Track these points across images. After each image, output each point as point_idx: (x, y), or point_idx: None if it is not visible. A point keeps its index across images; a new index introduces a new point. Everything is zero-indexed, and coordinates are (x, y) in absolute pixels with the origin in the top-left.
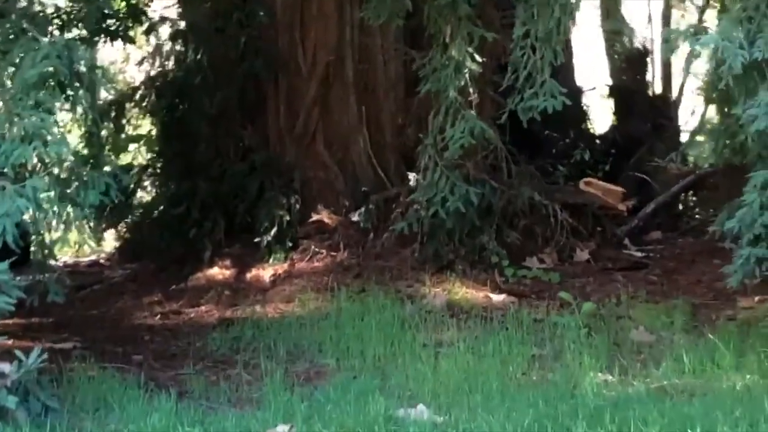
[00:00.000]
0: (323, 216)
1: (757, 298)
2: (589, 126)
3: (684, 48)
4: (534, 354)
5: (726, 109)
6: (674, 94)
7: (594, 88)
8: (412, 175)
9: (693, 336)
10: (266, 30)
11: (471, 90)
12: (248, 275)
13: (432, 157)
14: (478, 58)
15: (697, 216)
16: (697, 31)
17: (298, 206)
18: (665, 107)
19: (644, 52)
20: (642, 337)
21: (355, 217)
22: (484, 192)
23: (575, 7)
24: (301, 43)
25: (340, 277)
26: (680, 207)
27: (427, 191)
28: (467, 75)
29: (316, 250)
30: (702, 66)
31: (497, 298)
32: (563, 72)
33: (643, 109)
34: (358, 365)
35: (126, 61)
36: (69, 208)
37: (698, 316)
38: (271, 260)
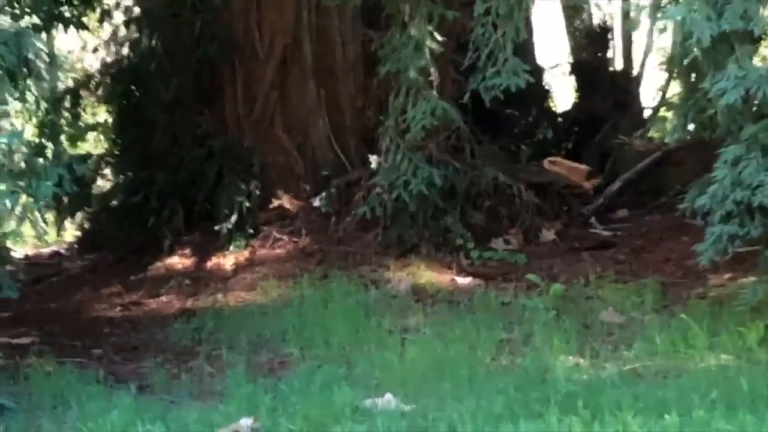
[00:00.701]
0: (284, 201)
1: (727, 276)
2: (552, 104)
3: (646, 23)
4: (502, 338)
5: (693, 84)
6: (636, 70)
7: (556, 66)
8: (373, 158)
9: (664, 316)
10: (221, 14)
11: (432, 70)
12: (209, 264)
13: (393, 139)
14: (438, 36)
15: (664, 193)
16: (659, 4)
17: (258, 192)
18: (627, 84)
19: (605, 29)
20: (612, 318)
21: (316, 202)
22: (447, 173)
23: None
24: (258, 26)
25: (302, 263)
26: (646, 184)
27: (389, 174)
28: (427, 54)
29: (278, 236)
30: (666, 41)
31: (463, 281)
32: (524, 50)
33: (605, 86)
34: (323, 354)
35: (84, 49)
36: (22, 200)
37: (668, 295)
38: (231, 248)
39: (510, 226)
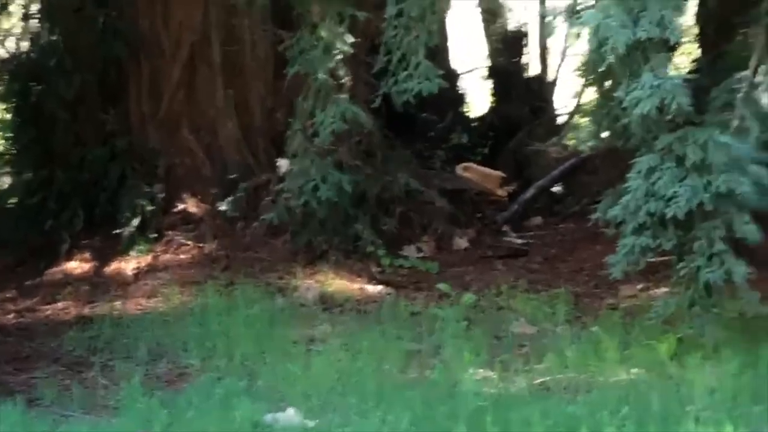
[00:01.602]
0: (189, 205)
1: (639, 286)
2: (467, 109)
3: (562, 28)
4: (411, 350)
5: (607, 92)
6: (551, 75)
7: (472, 70)
8: (282, 162)
9: (576, 328)
10: (127, 10)
11: (342, 72)
12: (109, 269)
13: (302, 142)
14: (349, 38)
15: (578, 200)
16: (574, 10)
17: (162, 195)
18: (542, 89)
19: (521, 33)
20: (523, 330)
21: (223, 206)
22: (358, 179)
23: None
24: (164, 23)
25: (207, 269)
26: (560, 191)
27: (297, 179)
28: (337, 56)
29: (182, 241)
30: (581, 47)
31: (373, 289)
32: (439, 54)
33: (520, 91)
34: (224, 365)
35: None
36: None
37: (580, 306)
38: (133, 253)
39: (422, 233)
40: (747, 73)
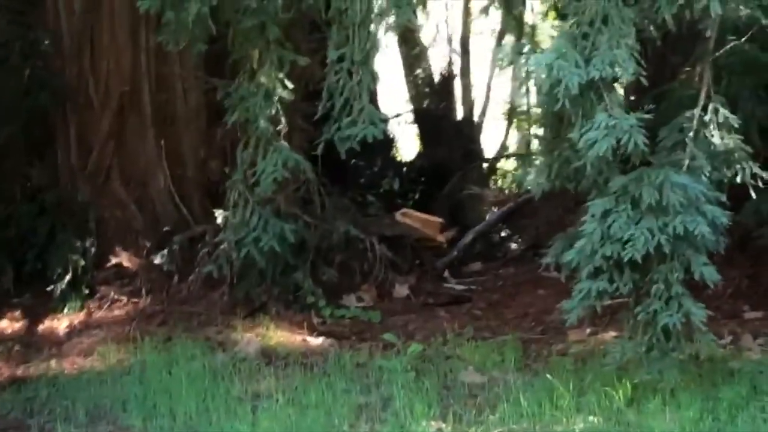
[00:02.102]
0: (122, 259)
1: (588, 330)
2: (397, 154)
3: (484, 72)
4: (360, 403)
5: (556, 134)
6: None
7: (399, 115)
8: (219, 213)
9: (527, 375)
10: (53, 60)
11: (282, 119)
12: (41, 327)
13: (242, 193)
14: (288, 84)
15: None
16: (523, 50)
17: (93, 249)
18: (472, 133)
19: (449, 77)
20: (473, 378)
21: (157, 260)
22: (297, 228)
23: (395, 26)
24: (92, 73)
25: (143, 325)
26: (499, 236)
27: (238, 230)
28: (277, 103)
29: (116, 296)
30: (505, 90)
31: (315, 341)
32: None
33: (450, 135)
34: (168, 425)
35: None
36: None
37: (529, 353)
38: (65, 310)
39: (362, 282)
40: (695, 111)
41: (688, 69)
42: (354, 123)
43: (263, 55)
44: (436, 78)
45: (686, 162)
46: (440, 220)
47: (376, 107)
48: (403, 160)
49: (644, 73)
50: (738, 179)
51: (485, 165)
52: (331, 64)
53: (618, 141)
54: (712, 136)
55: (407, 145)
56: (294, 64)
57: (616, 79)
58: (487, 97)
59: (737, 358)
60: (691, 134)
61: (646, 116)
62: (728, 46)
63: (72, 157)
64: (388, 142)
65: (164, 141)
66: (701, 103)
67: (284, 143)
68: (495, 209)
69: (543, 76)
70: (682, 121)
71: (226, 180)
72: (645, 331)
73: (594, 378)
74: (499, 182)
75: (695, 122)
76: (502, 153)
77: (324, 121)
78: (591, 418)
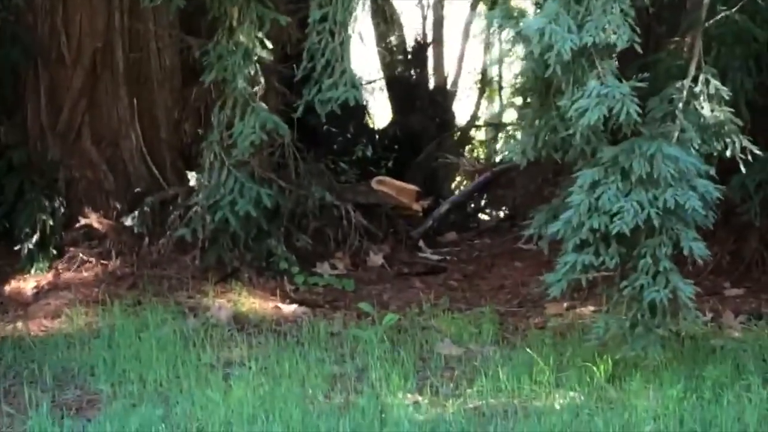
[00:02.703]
0: (92, 220)
1: (565, 304)
2: (369, 121)
3: (457, 40)
4: (335, 373)
5: (544, 101)
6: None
7: (372, 81)
8: (192, 175)
9: (505, 348)
10: (24, 15)
11: (261, 80)
12: (7, 288)
13: (218, 155)
14: (268, 44)
15: (493, 215)
16: (514, 14)
17: (63, 209)
18: (446, 101)
19: (423, 45)
20: (449, 351)
21: (127, 221)
22: (272, 192)
23: None
24: (64, 29)
25: (112, 288)
26: (473, 205)
27: (212, 193)
28: (256, 63)
29: (85, 258)
30: (477, 58)
31: (288, 308)
32: None
33: (423, 103)
34: (137, 391)
35: None
36: None
37: (506, 326)
38: (33, 270)
39: (336, 250)
40: (685, 82)
41: (676, 39)
42: (335, 85)
43: (242, 12)
44: (410, 45)
45: (676, 134)
46: (416, 188)
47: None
48: (376, 128)
49: (638, 40)
50: (728, 153)
51: (459, 134)
52: (312, 24)
53: (610, 110)
54: (702, 108)
55: (379, 112)
56: (276, 22)
57: (609, 46)
58: (460, 66)
59: (719, 336)
60: (680, 105)
61: (640, 85)
62: (718, 17)
63: (42, 115)
64: (360, 109)
65: (137, 100)
66: (691, 73)
67: (262, 104)
68: (470, 179)
69: (534, 40)
70: (672, 92)
71: (200, 142)
72: (629, 306)
73: (574, 353)
74: (475, 152)
75: (685, 93)
76: (474, 122)
77: (300, 84)
78: (572, 394)
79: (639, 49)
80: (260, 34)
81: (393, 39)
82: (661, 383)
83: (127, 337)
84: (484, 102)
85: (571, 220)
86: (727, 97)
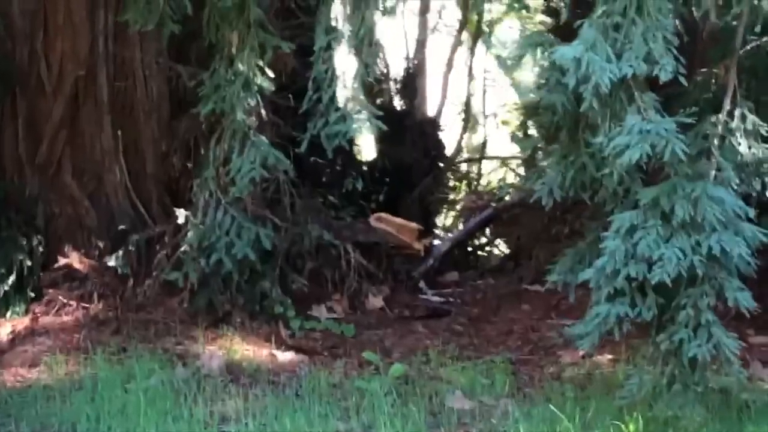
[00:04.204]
0: (72, 260)
1: (581, 352)
2: (357, 153)
3: (439, 71)
4: (339, 430)
5: (571, 138)
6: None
7: (360, 111)
8: (180, 212)
9: (521, 402)
10: (2, 41)
11: (262, 111)
12: None
13: (213, 192)
14: (270, 73)
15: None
16: (542, 41)
17: (41, 248)
18: (436, 133)
19: (413, 75)
20: (462, 404)
21: (111, 261)
22: (268, 232)
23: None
24: (45, 55)
25: (94, 333)
26: (475, 243)
27: (207, 234)
28: (257, 93)
29: (65, 300)
30: (462, 89)
31: (284, 356)
32: None
33: (413, 134)
34: None
35: None
36: None
37: (519, 376)
38: (8, 314)
39: (334, 292)
40: (721, 116)
41: (703, 70)
42: (343, 119)
43: (243, 39)
44: (394, 75)
45: (712, 173)
46: (417, 225)
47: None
48: (364, 160)
49: (683, 71)
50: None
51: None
52: (318, 52)
53: (653, 148)
54: (739, 144)
55: (363, 144)
56: (278, 50)
57: (651, 78)
58: (444, 96)
59: (749, 389)
60: (716, 142)
61: (687, 120)
62: (748, 46)
63: (20, 147)
64: (348, 140)
65: (122, 132)
66: (726, 107)
67: (263, 138)
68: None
69: (570, 71)
70: (706, 128)
71: (188, 176)
72: (665, 361)
73: (598, 409)
74: (472, 186)
75: (720, 128)
76: (457, 154)
77: (294, 115)
78: None
79: (684, 82)
80: (261, 63)
81: (377, 69)
82: None
83: (112, 389)
84: (469, 134)
85: (605, 267)
86: (765, 134)
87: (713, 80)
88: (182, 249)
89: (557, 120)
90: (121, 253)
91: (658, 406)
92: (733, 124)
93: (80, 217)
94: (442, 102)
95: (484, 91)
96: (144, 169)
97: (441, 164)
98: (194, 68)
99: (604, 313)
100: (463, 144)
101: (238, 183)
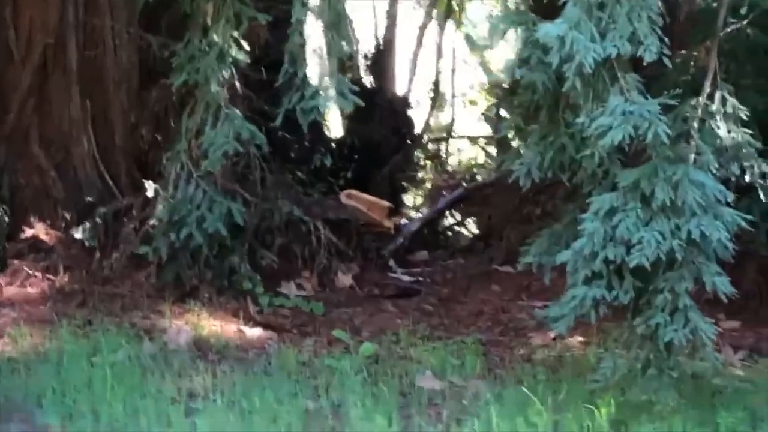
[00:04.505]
0: (38, 231)
1: (553, 334)
2: (326, 129)
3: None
4: (308, 409)
5: (551, 118)
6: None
7: (336, 86)
8: (149, 184)
9: (493, 383)
10: None
11: (237, 84)
12: None
13: (185, 165)
14: (245, 45)
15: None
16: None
17: (6, 219)
18: (404, 110)
19: (383, 51)
20: (431, 385)
21: (77, 234)
22: (239, 207)
23: None
24: (13, 23)
25: (60, 306)
26: (445, 223)
27: (178, 208)
28: (231, 65)
29: (30, 272)
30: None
31: (252, 333)
32: None
33: (383, 112)
34: (90, 427)
35: None
36: None
37: (490, 357)
38: None
39: (303, 268)
40: (701, 99)
41: (683, 52)
42: (318, 93)
43: (218, 9)
44: (365, 53)
45: (692, 156)
46: (388, 203)
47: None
48: (333, 137)
49: (668, 53)
50: (747, 178)
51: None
52: (295, 25)
53: (636, 129)
54: (719, 128)
55: (331, 121)
56: (254, 21)
57: (634, 58)
58: (413, 74)
59: (721, 374)
60: (695, 125)
61: (670, 102)
62: (729, 29)
63: None
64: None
65: (91, 102)
66: (706, 90)
67: (237, 111)
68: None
69: (554, 49)
70: (686, 110)
71: (158, 149)
72: (640, 345)
73: (570, 392)
74: (442, 165)
75: (700, 111)
76: (424, 133)
77: (266, 89)
78: None
79: (668, 63)
80: (236, 34)
81: (345, 44)
82: (673, 429)
83: (78, 363)
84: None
85: (583, 249)
86: (745, 117)
87: (692, 62)
88: (151, 222)
89: (537, 99)
90: (88, 225)
91: (632, 390)
92: (713, 107)
93: (47, 188)
94: (410, 80)
95: (453, 71)
96: (113, 140)
97: (410, 142)
98: (165, 38)
99: (581, 296)
100: (431, 123)
101: (210, 156)
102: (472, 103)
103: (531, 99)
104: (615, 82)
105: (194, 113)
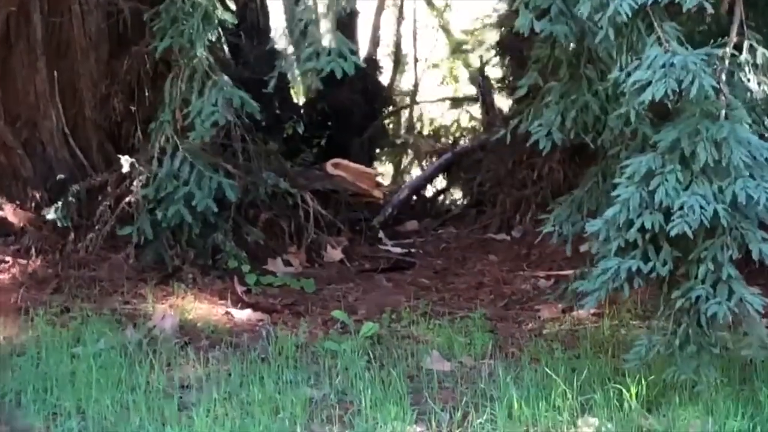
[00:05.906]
0: (7, 213)
1: (561, 306)
2: (294, 95)
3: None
4: (312, 397)
5: (572, 74)
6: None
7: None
8: (125, 159)
9: (506, 363)
10: None
11: (225, 48)
12: None
13: (170, 138)
14: (231, 5)
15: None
16: None
17: None
18: (374, 73)
19: (353, 13)
20: (440, 366)
21: (49, 214)
22: (232, 182)
23: None
24: None
25: (33, 292)
26: (433, 190)
27: (163, 185)
28: (218, 27)
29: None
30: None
31: (241, 315)
32: (262, 34)
33: (352, 76)
34: (77, 427)
35: None
36: None
37: (499, 334)
38: None
39: (290, 244)
40: (727, 49)
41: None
42: (317, 55)
43: None
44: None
45: (722, 112)
46: (376, 171)
47: (272, 42)
48: (301, 102)
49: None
50: None
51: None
52: None
53: (679, 84)
54: (749, 80)
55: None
56: None
57: (674, 5)
58: (375, 37)
59: (747, 346)
60: (723, 77)
61: (715, 51)
62: None
63: None
64: (284, 82)
65: (58, 73)
66: (733, 40)
67: (225, 77)
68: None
69: None
70: (713, 61)
71: (131, 121)
72: (677, 320)
73: (592, 370)
74: (426, 129)
75: (727, 62)
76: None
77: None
78: (610, 426)
79: (711, 10)
80: None
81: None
82: (717, 411)
83: (58, 355)
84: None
85: (616, 217)
86: None
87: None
88: (129, 200)
89: (557, 54)
90: (60, 204)
91: (670, 369)
92: (742, 58)
93: (14, 167)
94: (373, 44)
95: (415, 34)
96: (83, 113)
97: (384, 109)
98: (137, 2)
99: (614, 268)
100: (395, 87)
101: (197, 127)
102: (435, 66)
103: (550, 54)
104: (650, 32)
105: (178, 80)
